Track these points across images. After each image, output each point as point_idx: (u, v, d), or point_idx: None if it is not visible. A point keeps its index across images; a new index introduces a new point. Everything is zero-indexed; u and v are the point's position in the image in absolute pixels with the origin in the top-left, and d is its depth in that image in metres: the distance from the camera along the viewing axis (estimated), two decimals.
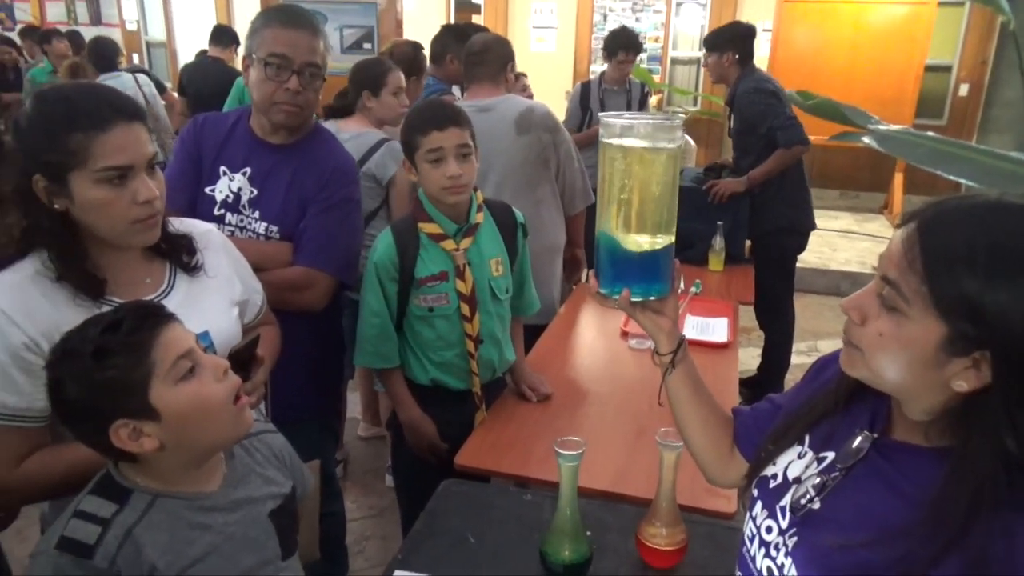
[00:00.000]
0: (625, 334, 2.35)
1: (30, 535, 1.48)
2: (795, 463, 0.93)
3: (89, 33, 6.31)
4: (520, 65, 3.06)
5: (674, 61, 8.00)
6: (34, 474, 1.10)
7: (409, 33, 4.23)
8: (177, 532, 0.96)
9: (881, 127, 1.33)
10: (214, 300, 1.29)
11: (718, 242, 3.18)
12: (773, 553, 0.89)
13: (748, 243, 3.45)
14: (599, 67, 7.16)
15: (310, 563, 1.27)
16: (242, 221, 1.66)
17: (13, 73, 6.43)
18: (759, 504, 0.95)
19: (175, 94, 5.65)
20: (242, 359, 1.18)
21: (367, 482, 2.95)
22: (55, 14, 8.77)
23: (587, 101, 4.10)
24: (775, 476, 0.95)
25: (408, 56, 2.90)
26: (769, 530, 0.91)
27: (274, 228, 1.65)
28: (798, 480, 0.90)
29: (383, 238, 1.78)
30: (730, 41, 3.31)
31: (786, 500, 0.90)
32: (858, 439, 0.86)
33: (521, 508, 1.45)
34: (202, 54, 5.85)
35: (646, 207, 0.99)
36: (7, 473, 1.09)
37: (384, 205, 2.55)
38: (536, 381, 1.94)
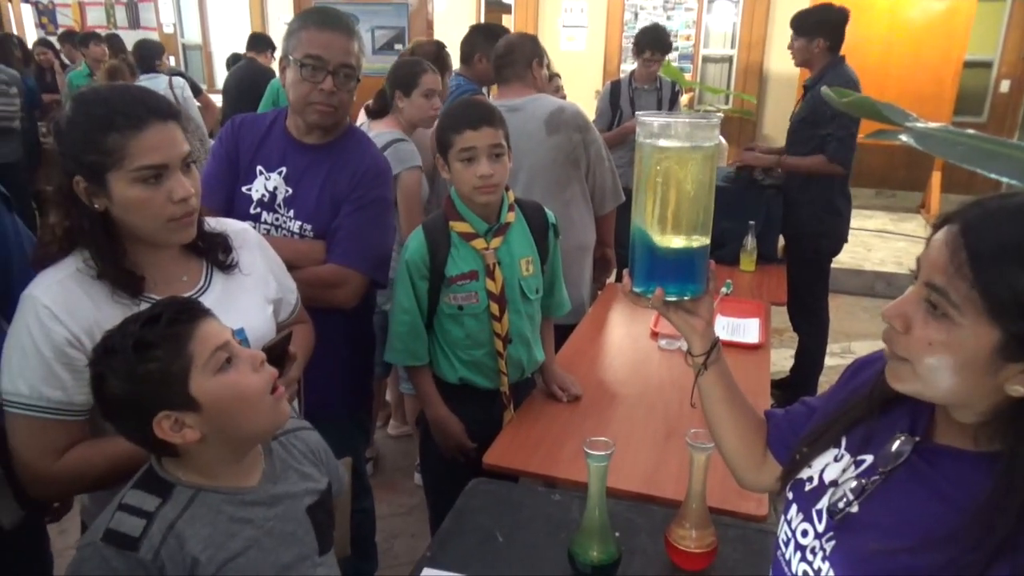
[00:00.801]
0: (655, 334, 2.34)
1: (69, 527, 1.52)
2: (831, 466, 0.92)
3: (127, 36, 6.46)
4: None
5: (706, 59, 7.92)
6: (75, 466, 1.13)
7: (440, 34, 4.25)
8: (218, 526, 0.98)
9: (919, 125, 1.30)
10: (249, 297, 1.31)
11: (750, 242, 3.15)
12: (810, 557, 0.88)
13: (781, 243, 3.40)
14: (629, 66, 7.13)
15: (341, 559, 1.28)
16: (277, 220, 1.68)
17: (50, 75, 6.59)
18: (794, 507, 0.94)
19: (210, 96, 5.77)
20: (275, 355, 1.20)
21: (396, 480, 2.97)
22: (95, 18, 8.99)
23: (617, 100, 4.08)
24: (811, 479, 0.93)
25: (431, 55, 2.90)
26: (805, 534, 0.90)
27: (308, 227, 1.68)
28: (835, 483, 0.89)
29: (415, 236, 1.79)
30: (820, 25, 3.14)
31: (823, 503, 0.89)
32: (898, 442, 0.85)
33: (550, 508, 1.45)
34: (235, 58, 5.97)
35: (682, 206, 0.98)
36: (50, 464, 1.13)
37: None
38: (566, 381, 1.94)
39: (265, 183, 1.69)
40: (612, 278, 3.11)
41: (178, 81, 4.96)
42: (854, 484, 0.86)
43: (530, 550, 1.33)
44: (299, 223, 1.68)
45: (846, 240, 3.34)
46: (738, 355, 2.14)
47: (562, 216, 2.39)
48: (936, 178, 6.50)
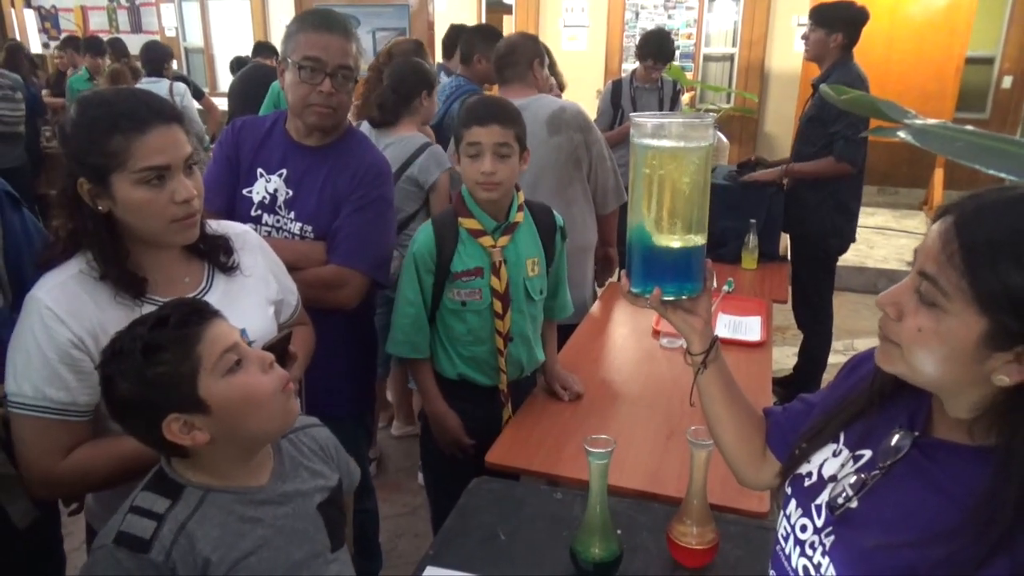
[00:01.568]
0: (657, 333, 2.34)
1: (75, 529, 1.53)
2: (830, 461, 0.92)
3: (130, 41, 6.48)
4: None
5: (707, 58, 7.91)
6: (80, 466, 1.14)
7: (440, 35, 4.26)
8: (229, 526, 0.99)
9: (917, 122, 1.30)
10: (250, 299, 1.32)
11: (751, 240, 3.15)
12: (809, 552, 0.88)
13: (784, 241, 3.40)
14: (631, 65, 7.13)
15: None
16: (278, 221, 1.69)
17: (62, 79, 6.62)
18: (793, 502, 0.94)
19: (212, 100, 5.79)
20: (275, 354, 1.20)
21: (400, 480, 2.98)
22: (97, 23, 9.02)
23: (618, 99, 4.09)
24: (809, 474, 0.94)
25: (411, 53, 2.91)
26: (804, 529, 0.90)
27: (309, 228, 1.68)
28: (834, 478, 0.89)
29: (423, 230, 1.81)
30: (842, 20, 3.11)
31: (822, 499, 0.89)
32: (897, 437, 0.85)
33: (552, 506, 1.45)
34: (238, 61, 6.00)
35: (678, 206, 0.99)
36: (54, 464, 1.13)
37: (423, 208, 2.57)
38: (568, 380, 1.94)
39: (266, 185, 1.70)
40: (614, 277, 3.11)
41: (179, 87, 4.97)
42: (853, 479, 0.86)
43: (532, 548, 1.34)
44: (300, 224, 1.68)
45: (854, 240, 3.33)
46: (740, 353, 2.14)
47: (564, 216, 2.36)
48: (939, 175, 6.48)
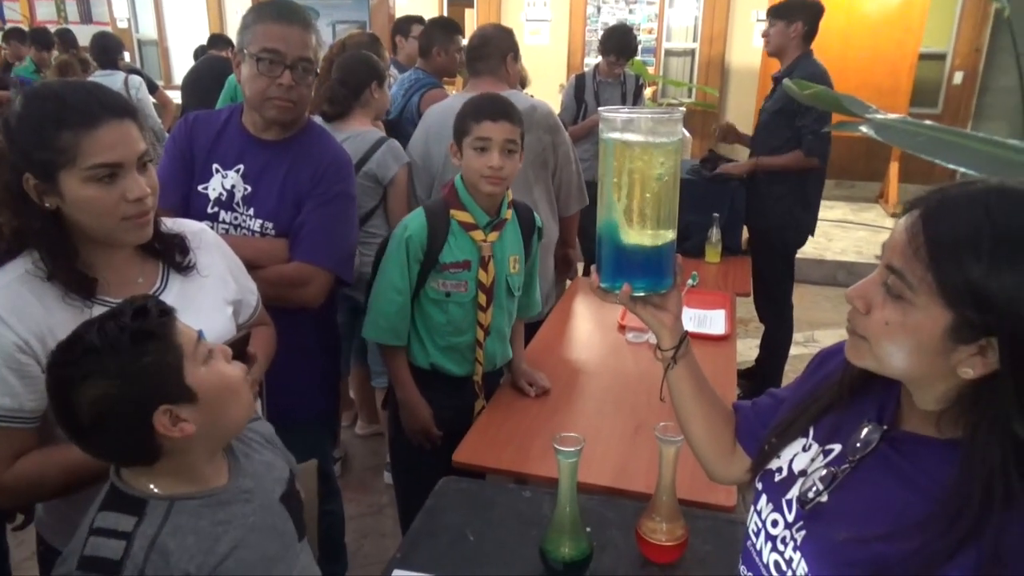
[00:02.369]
0: (622, 328, 2.34)
1: (26, 537, 1.47)
2: (800, 456, 0.92)
3: (80, 32, 6.27)
4: None
5: (668, 53, 7.96)
6: (26, 475, 1.09)
7: None
8: (201, 532, 0.96)
9: (878, 116, 1.32)
10: (208, 299, 1.28)
11: (714, 234, 3.17)
12: (780, 547, 0.88)
13: (745, 235, 3.43)
14: (593, 59, 7.14)
15: None
16: (236, 219, 1.64)
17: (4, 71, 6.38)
18: (764, 498, 0.94)
19: (167, 93, 5.63)
20: (234, 354, 1.17)
21: (365, 480, 2.94)
22: (45, 12, 8.72)
23: (582, 93, 4.09)
24: (780, 469, 0.94)
25: (365, 46, 2.86)
26: (775, 524, 0.90)
27: (269, 225, 1.64)
28: (804, 473, 0.89)
29: (415, 218, 1.80)
30: (801, 11, 3.14)
31: (792, 493, 0.89)
32: (866, 431, 0.85)
33: (520, 505, 1.44)
34: (203, 50, 5.85)
35: (647, 201, 0.98)
36: (0, 473, 1.08)
37: (381, 204, 2.53)
38: (534, 377, 1.95)
39: (222, 181, 1.64)
40: (580, 272, 3.11)
41: (134, 80, 4.81)
42: (823, 473, 0.86)
43: (501, 548, 1.32)
44: (260, 221, 1.64)
45: (812, 233, 3.38)
46: (704, 346, 2.16)
47: None
48: (894, 168, 6.64)
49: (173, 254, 1.25)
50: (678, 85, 7.51)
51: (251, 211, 1.64)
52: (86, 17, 8.69)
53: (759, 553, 0.92)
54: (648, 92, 6.16)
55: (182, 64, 6.47)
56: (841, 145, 6.77)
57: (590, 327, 2.47)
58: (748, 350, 3.82)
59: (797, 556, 0.85)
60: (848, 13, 6.10)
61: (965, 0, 6.92)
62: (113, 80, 4.57)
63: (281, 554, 1.05)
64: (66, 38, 5.90)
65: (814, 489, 0.86)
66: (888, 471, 0.82)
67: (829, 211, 6.54)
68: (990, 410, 0.73)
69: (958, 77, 7.10)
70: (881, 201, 7.03)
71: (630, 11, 7.93)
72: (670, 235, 1.01)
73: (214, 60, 5.17)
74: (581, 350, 2.27)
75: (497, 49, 2.50)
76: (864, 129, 1.29)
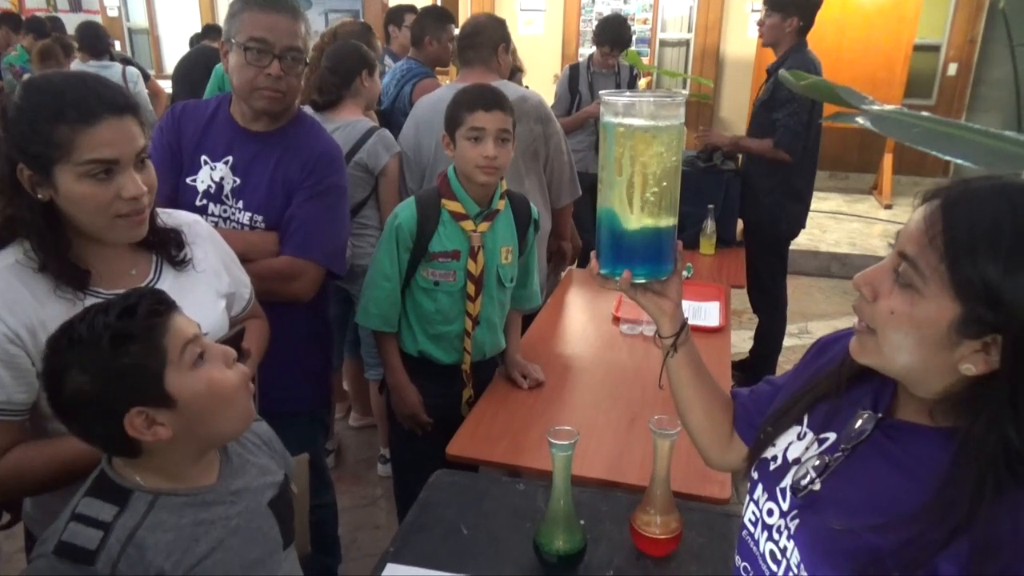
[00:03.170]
0: (617, 319, 2.34)
1: (16, 531, 1.46)
2: (795, 444, 0.92)
3: (69, 20, 6.21)
4: None
5: (663, 43, 7.94)
6: (15, 468, 1.08)
7: None
8: (182, 530, 0.94)
9: (875, 108, 1.30)
10: (201, 293, 1.26)
11: (709, 225, 3.17)
12: (776, 536, 0.88)
13: (739, 227, 3.43)
14: (588, 50, 7.11)
15: (302, 557, 1.25)
16: (225, 211, 1.62)
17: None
18: (760, 487, 0.94)
19: (159, 83, 5.58)
20: None
21: (359, 472, 2.93)
22: (34, 0, 8.62)
23: (576, 84, 4.06)
24: (775, 458, 0.93)
25: (355, 35, 2.84)
26: (771, 513, 0.90)
27: (259, 218, 1.62)
28: (798, 461, 0.89)
29: (407, 207, 1.81)
30: (796, 4, 3.11)
31: (786, 482, 0.89)
32: (861, 419, 0.85)
33: (514, 498, 1.44)
34: (198, 38, 5.80)
35: (648, 186, 0.97)
36: None
37: (373, 195, 2.52)
38: (528, 369, 1.94)
39: (211, 173, 1.62)
40: (575, 263, 3.10)
41: (132, 72, 4.73)
42: (817, 462, 0.86)
43: (495, 542, 1.32)
44: (249, 214, 1.62)
45: (803, 226, 3.38)
46: (699, 338, 2.10)
47: None
48: (887, 160, 6.64)
49: (168, 248, 1.23)
50: (673, 76, 7.49)
51: (240, 204, 1.62)
52: (76, 5, 8.59)
53: (756, 542, 0.92)
54: (642, 83, 6.14)
55: (173, 53, 6.42)
56: (835, 137, 6.82)
57: (584, 319, 2.47)
58: (742, 342, 3.83)
59: (791, 545, 0.85)
60: (843, 4, 6.09)
61: None
62: (111, 72, 4.51)
63: (262, 560, 1.03)
64: (55, 26, 5.83)
65: (808, 477, 0.86)
66: (882, 459, 0.82)
67: (823, 202, 6.55)
68: (986, 409, 0.72)
69: (952, 68, 7.11)
70: (875, 193, 7.04)
71: (624, 1, 7.90)
72: (671, 220, 0.99)
73: (205, 50, 5.12)
74: (575, 342, 2.27)
75: (489, 39, 2.47)
76: (860, 120, 1.28)
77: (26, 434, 1.11)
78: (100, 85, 1.09)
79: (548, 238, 2.66)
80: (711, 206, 3.17)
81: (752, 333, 3.65)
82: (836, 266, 5.33)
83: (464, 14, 7.96)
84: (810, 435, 0.91)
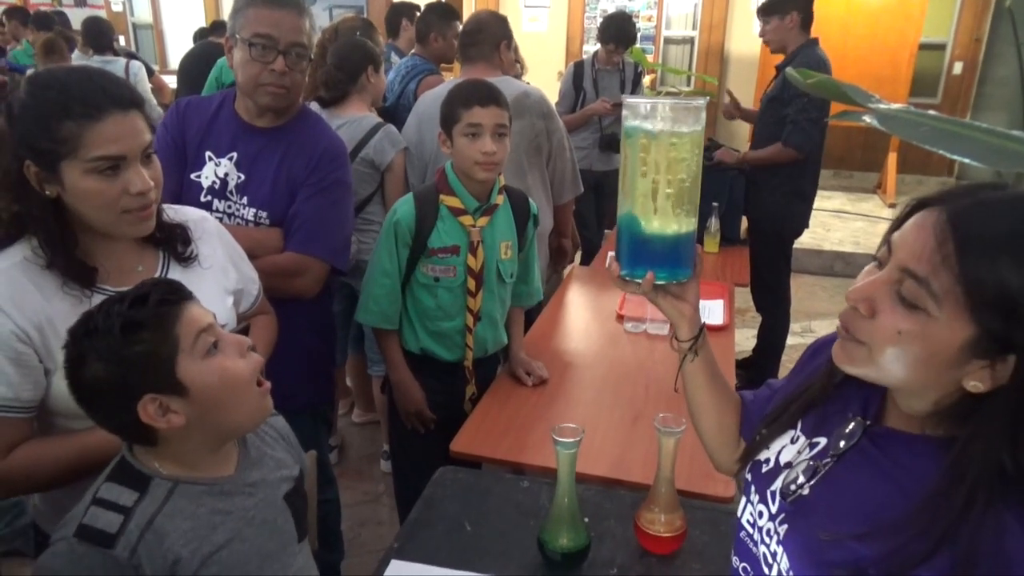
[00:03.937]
0: (620, 317, 2.34)
1: None
2: (788, 448, 0.92)
3: (74, 15, 6.21)
4: None
5: (667, 41, 7.92)
6: (22, 465, 1.08)
7: None
8: (200, 518, 0.96)
9: (882, 106, 1.30)
10: (208, 289, 1.26)
11: (713, 224, 3.17)
12: (767, 540, 0.88)
13: (744, 225, 3.43)
14: (592, 47, 7.09)
15: None
16: (230, 207, 1.62)
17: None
18: (752, 488, 0.94)
19: (163, 78, 5.59)
20: None
21: (362, 468, 2.94)
22: None
23: (580, 81, 4.05)
24: (768, 460, 0.93)
25: (357, 31, 2.83)
26: (761, 515, 0.90)
27: (263, 214, 1.62)
28: (790, 465, 0.89)
29: (405, 202, 1.81)
30: (791, 1, 3.09)
31: (776, 485, 0.89)
32: (850, 425, 0.84)
33: (518, 495, 1.44)
34: (202, 33, 5.79)
35: (670, 190, 0.96)
36: None
37: (379, 191, 2.52)
38: (532, 367, 1.94)
39: (215, 169, 1.62)
40: (576, 261, 3.10)
41: (135, 67, 4.73)
42: (806, 466, 0.86)
43: (499, 539, 1.32)
44: (253, 210, 1.62)
45: (808, 224, 3.36)
46: None
47: None
48: (892, 159, 6.63)
49: (175, 244, 1.24)
50: (677, 73, 7.47)
51: (244, 200, 1.62)
52: (81, 0, 8.59)
53: (755, 543, 0.92)
54: (647, 80, 6.12)
55: (178, 48, 6.42)
56: (839, 135, 6.80)
57: (588, 316, 2.47)
58: (745, 340, 3.82)
59: (780, 550, 0.85)
60: (848, 2, 6.08)
61: None
62: (115, 67, 4.51)
63: (277, 552, 1.04)
64: (60, 21, 5.84)
65: (796, 482, 0.85)
66: (869, 466, 0.81)
67: (827, 201, 6.53)
68: (984, 421, 0.70)
69: (958, 67, 7.08)
70: (879, 191, 7.02)
71: None
72: (692, 224, 0.99)
73: (210, 47, 5.12)
74: (579, 339, 2.26)
75: (491, 36, 2.47)
76: (868, 119, 1.27)
77: (33, 431, 1.11)
78: (105, 80, 1.09)
79: (549, 235, 2.66)
80: (715, 204, 3.16)
81: (755, 331, 3.65)
82: (840, 265, 5.33)
83: (469, 11, 7.95)
84: (803, 439, 0.90)
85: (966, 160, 1.19)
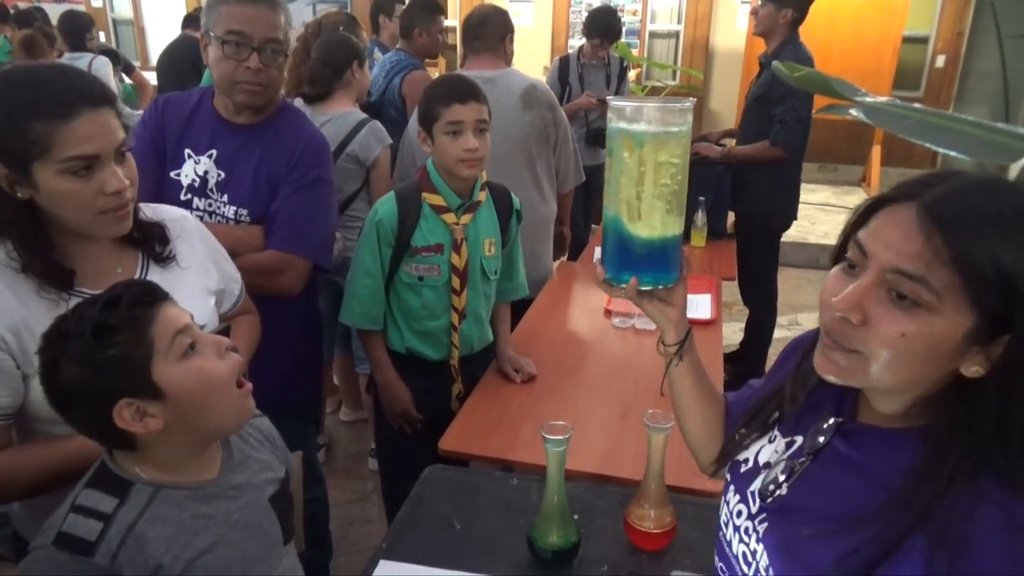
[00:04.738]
0: (609, 312, 2.33)
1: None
2: (766, 448, 0.91)
3: (53, 10, 6.11)
4: None
5: (652, 35, 7.92)
6: (1, 474, 1.06)
7: None
8: (183, 523, 0.94)
9: (868, 99, 1.30)
10: (189, 289, 1.24)
11: (700, 218, 3.17)
12: (746, 539, 0.88)
13: (731, 219, 3.43)
14: (577, 41, 7.07)
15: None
16: (210, 205, 1.60)
17: None
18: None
19: (143, 74, 5.51)
20: None
21: (350, 466, 2.92)
22: None
23: (566, 76, 4.04)
24: (746, 460, 0.93)
25: (339, 26, 2.81)
26: (740, 514, 0.90)
27: (244, 212, 1.60)
28: (768, 465, 0.89)
29: (386, 202, 1.79)
30: None
31: (756, 485, 0.88)
32: (825, 423, 0.84)
33: (508, 493, 1.43)
34: (187, 22, 5.71)
35: (656, 194, 0.95)
36: None
37: (365, 187, 2.49)
38: (521, 363, 1.93)
39: (195, 167, 1.60)
40: (565, 256, 3.10)
41: (100, 63, 4.64)
42: (783, 466, 0.86)
43: (489, 537, 1.31)
44: (234, 208, 1.60)
45: (795, 218, 3.37)
46: None
47: (532, 190, 2.54)
48: (876, 152, 6.66)
49: (153, 244, 1.21)
50: (663, 67, 7.47)
51: (225, 198, 1.60)
52: None
53: (728, 543, 0.91)
54: (632, 75, 6.12)
55: (159, 44, 6.31)
56: (824, 129, 6.82)
57: (576, 312, 2.46)
58: (733, 334, 3.83)
59: (760, 548, 0.85)
60: None
61: None
62: (81, 64, 4.42)
63: (263, 555, 1.03)
64: (41, 17, 5.74)
65: (775, 482, 0.85)
66: (844, 464, 0.80)
67: (812, 194, 6.57)
68: (971, 405, 0.70)
69: (940, 60, 7.13)
70: (864, 184, 7.06)
71: None
72: (678, 228, 0.98)
73: (190, 40, 5.05)
74: (567, 335, 2.26)
75: (496, 28, 2.55)
76: (854, 112, 1.27)
77: (12, 439, 1.09)
78: (76, 76, 1.07)
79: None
80: (702, 198, 3.16)
81: (743, 325, 3.66)
82: (825, 258, 5.32)
83: (454, 5, 7.91)
84: (779, 438, 0.90)
85: (951, 153, 1.19)
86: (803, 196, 3.45)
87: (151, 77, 5.63)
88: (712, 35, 7.60)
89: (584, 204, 4.05)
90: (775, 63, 1.31)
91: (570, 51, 4.41)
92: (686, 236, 3.16)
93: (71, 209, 1.06)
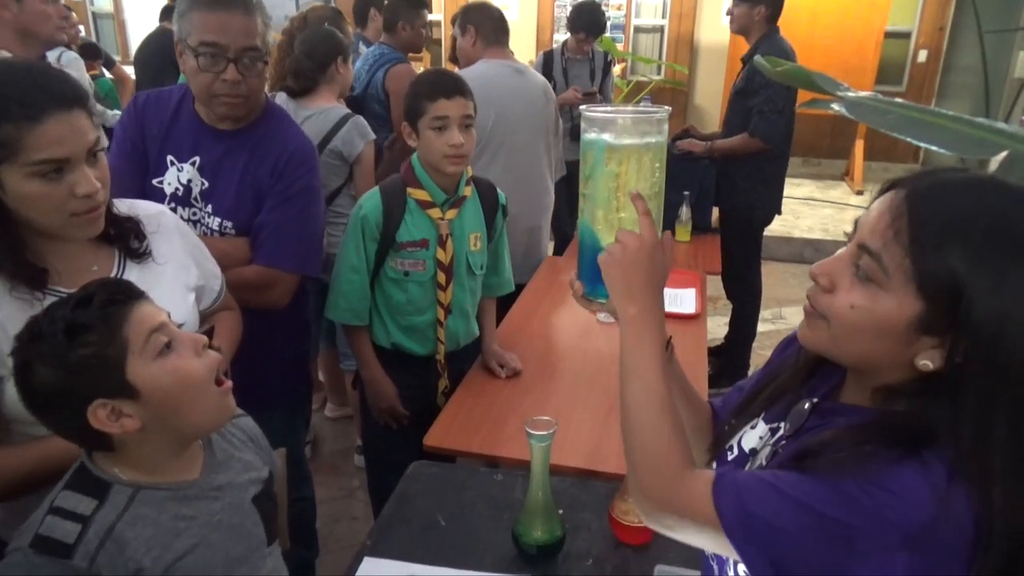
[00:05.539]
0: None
1: None
2: (749, 434, 0.92)
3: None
4: None
5: (637, 29, 7.93)
6: None
7: None
8: (163, 525, 0.93)
9: (850, 94, 1.30)
10: (168, 286, 1.22)
11: (684, 212, 3.18)
12: None
13: (715, 213, 3.44)
14: (562, 36, 7.06)
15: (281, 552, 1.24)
16: (195, 215, 1.56)
17: None
18: None
19: (124, 69, 5.44)
20: None
21: (336, 463, 2.91)
22: None
23: (550, 71, 4.04)
24: (731, 448, 0.93)
25: (327, 19, 2.80)
26: None
27: (228, 224, 1.55)
28: (754, 452, 0.89)
29: (371, 197, 1.78)
30: None
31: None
32: (804, 406, 0.85)
33: (492, 488, 1.43)
34: (164, 14, 5.62)
35: (631, 205, 0.93)
36: None
37: (348, 183, 2.48)
38: (505, 358, 1.93)
39: (178, 175, 1.54)
40: (550, 252, 3.11)
41: (67, 57, 4.55)
42: (768, 451, 0.86)
43: (474, 533, 1.31)
44: (219, 220, 1.55)
45: (779, 212, 3.40)
46: (675, 325, 2.12)
47: (540, 179, 2.75)
48: (859, 146, 6.71)
49: (128, 240, 1.18)
50: (647, 62, 7.49)
51: (209, 208, 1.55)
52: None
53: None
54: (617, 69, 6.13)
55: (140, 38, 6.23)
56: (807, 123, 6.86)
57: (561, 307, 2.46)
58: (717, 328, 3.85)
59: None
60: None
61: None
62: (50, 58, 4.33)
63: (246, 557, 1.02)
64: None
65: (760, 468, 0.85)
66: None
67: (796, 189, 6.61)
68: (928, 400, 0.71)
69: (922, 55, 7.18)
70: (847, 179, 7.11)
71: None
72: None
73: (167, 33, 4.97)
74: (552, 331, 2.26)
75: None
76: (836, 107, 1.28)
77: None
78: (44, 77, 1.03)
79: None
80: (686, 193, 3.17)
81: (727, 319, 3.68)
82: (809, 252, 5.39)
83: (437, 1, 7.87)
84: (762, 425, 0.90)
85: (932, 147, 1.20)
86: (788, 191, 3.48)
87: (133, 72, 5.56)
88: (697, 30, 7.62)
89: (569, 197, 4.06)
90: (757, 58, 1.31)
91: (554, 46, 4.41)
92: (671, 230, 3.18)
93: (41, 212, 1.03)
